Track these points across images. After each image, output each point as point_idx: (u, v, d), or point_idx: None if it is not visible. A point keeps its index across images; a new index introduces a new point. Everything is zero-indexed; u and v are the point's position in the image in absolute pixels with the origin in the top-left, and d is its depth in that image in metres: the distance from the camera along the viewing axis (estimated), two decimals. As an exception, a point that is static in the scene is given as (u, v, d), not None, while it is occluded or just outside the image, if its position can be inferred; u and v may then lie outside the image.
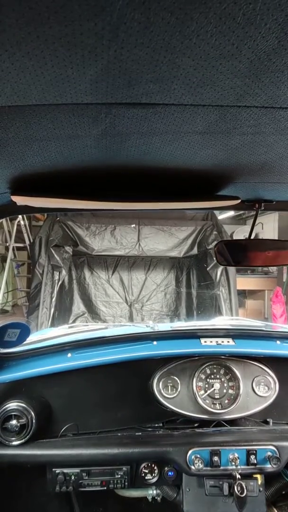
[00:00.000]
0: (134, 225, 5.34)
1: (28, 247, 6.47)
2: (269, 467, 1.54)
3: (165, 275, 6.01)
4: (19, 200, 1.24)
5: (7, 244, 6.83)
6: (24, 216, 6.88)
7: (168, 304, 5.97)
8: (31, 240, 6.34)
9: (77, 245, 5.24)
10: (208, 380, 1.71)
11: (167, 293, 6.00)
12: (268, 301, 8.51)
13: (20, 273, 7.15)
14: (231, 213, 9.10)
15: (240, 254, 1.71)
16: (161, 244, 5.42)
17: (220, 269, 5.35)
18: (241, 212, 8.91)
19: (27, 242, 6.69)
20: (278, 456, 1.53)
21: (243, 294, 8.89)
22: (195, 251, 5.53)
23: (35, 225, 7.80)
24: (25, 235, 6.76)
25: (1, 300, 7.44)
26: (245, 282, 8.26)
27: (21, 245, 6.91)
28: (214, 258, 1.81)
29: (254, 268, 8.80)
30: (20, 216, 6.61)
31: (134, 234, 5.37)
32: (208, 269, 5.43)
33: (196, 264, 5.98)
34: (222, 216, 8.23)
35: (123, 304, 5.83)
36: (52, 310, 5.12)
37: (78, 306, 5.73)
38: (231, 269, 5.45)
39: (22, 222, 6.74)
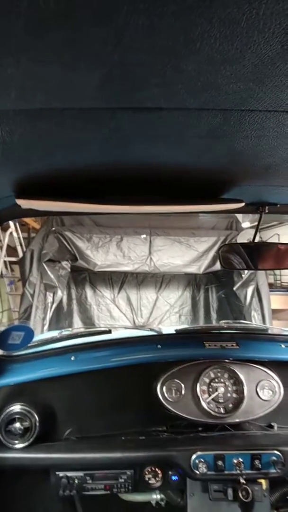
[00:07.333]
0: (144, 236, 5.18)
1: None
2: (273, 471, 1.78)
3: (180, 293, 5.91)
4: (24, 203, 1.43)
5: (-2, 259, 6.99)
6: (18, 227, 7.11)
7: (183, 328, 5.91)
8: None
9: (76, 260, 5.06)
10: (212, 383, 1.98)
11: (182, 314, 5.90)
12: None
13: (14, 290, 7.33)
14: (248, 223, 9.35)
15: (245, 257, 2.00)
16: (176, 258, 5.20)
17: (250, 289, 5.20)
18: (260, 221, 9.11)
19: (21, 255, 6.75)
20: (283, 461, 1.78)
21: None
22: (217, 266, 5.16)
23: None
24: (19, 248, 6.95)
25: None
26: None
27: (14, 259, 7.07)
28: (219, 261, 2.12)
29: (272, 282, 8.85)
30: (12, 227, 6.86)
31: (144, 247, 5.18)
32: (235, 288, 5.27)
33: (218, 282, 5.81)
34: (244, 225, 8.45)
35: (130, 328, 5.70)
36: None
37: (78, 330, 5.76)
38: (264, 289, 5.31)
39: (15, 234, 6.91)
